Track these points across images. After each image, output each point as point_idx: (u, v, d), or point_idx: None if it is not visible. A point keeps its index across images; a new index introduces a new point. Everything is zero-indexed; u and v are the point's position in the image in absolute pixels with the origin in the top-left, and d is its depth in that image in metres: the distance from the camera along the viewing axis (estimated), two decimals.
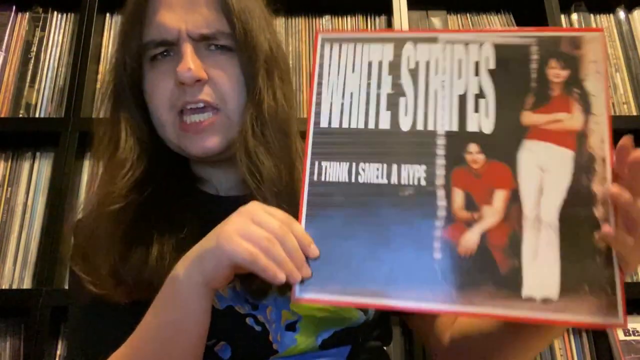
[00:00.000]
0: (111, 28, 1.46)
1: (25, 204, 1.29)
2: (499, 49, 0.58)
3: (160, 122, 0.69)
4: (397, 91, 0.58)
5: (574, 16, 1.50)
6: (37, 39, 1.42)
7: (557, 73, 0.56)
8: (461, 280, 0.52)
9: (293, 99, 0.74)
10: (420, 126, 0.57)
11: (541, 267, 0.51)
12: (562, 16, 1.47)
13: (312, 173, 0.56)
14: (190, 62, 0.64)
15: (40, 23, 1.44)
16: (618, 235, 0.50)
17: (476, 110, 0.56)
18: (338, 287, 0.53)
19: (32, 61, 1.40)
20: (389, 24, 1.47)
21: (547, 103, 0.56)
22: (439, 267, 0.52)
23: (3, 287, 1.21)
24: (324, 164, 0.56)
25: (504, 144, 0.55)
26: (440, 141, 0.56)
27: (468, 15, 1.52)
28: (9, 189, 1.30)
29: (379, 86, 0.58)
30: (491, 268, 0.52)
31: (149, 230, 0.66)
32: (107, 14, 1.47)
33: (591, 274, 0.51)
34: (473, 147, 0.55)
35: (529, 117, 0.56)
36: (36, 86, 1.38)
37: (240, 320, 0.64)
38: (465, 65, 0.58)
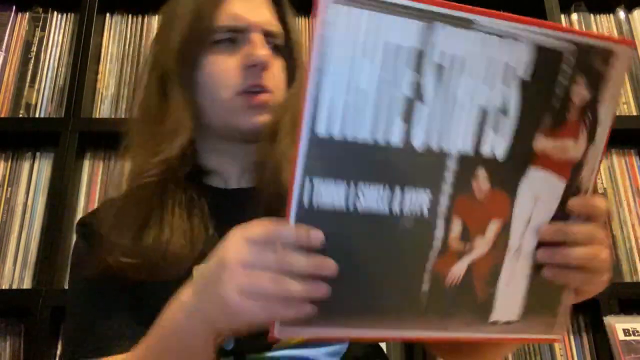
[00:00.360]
0: (111, 28, 1.46)
1: (25, 204, 1.29)
2: (534, 50, 0.48)
3: (219, 101, 0.72)
4: (417, 95, 0.45)
5: (574, 16, 1.50)
6: (37, 39, 1.42)
7: (580, 92, 0.50)
8: (443, 310, 0.50)
9: None
10: (434, 144, 0.47)
11: (511, 295, 0.52)
12: (562, 16, 1.48)
13: (301, 194, 0.44)
14: (267, 50, 0.72)
15: (40, 23, 1.44)
16: (567, 274, 0.51)
17: (495, 129, 0.48)
18: (321, 320, 0.46)
19: (32, 61, 1.40)
20: None
21: (560, 126, 0.50)
22: (425, 298, 0.49)
23: (3, 287, 1.21)
24: (316, 181, 0.44)
25: (511, 171, 0.50)
26: (451, 164, 0.48)
27: None
28: (9, 189, 1.30)
29: (395, 83, 0.44)
30: (470, 297, 0.51)
31: (162, 214, 0.68)
32: (107, 14, 1.47)
33: (546, 299, 0.53)
34: (482, 174, 0.49)
35: (540, 142, 0.50)
36: (36, 86, 1.38)
37: None
38: (494, 67, 0.47)
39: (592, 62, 0.49)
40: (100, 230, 0.68)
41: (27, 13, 1.45)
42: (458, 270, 0.50)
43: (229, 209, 0.70)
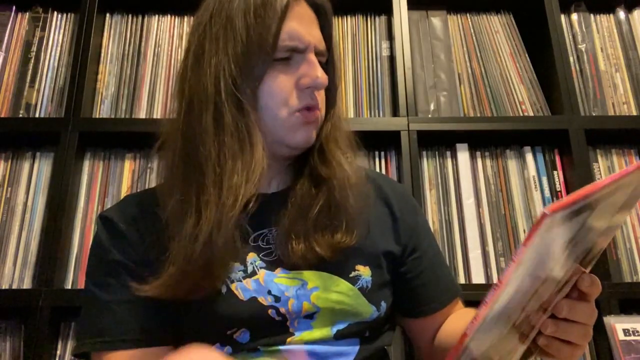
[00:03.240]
0: (111, 28, 1.46)
1: (25, 204, 1.29)
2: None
3: (277, 118, 0.73)
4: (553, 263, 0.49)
5: (574, 16, 1.50)
6: (37, 39, 1.42)
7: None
8: None
9: None
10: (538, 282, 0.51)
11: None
12: (562, 16, 1.48)
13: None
14: (322, 71, 0.74)
15: (40, 23, 1.44)
16: (557, 346, 0.57)
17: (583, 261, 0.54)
18: None
19: (32, 61, 1.40)
20: (389, 24, 1.47)
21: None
22: None
23: (3, 287, 1.21)
24: (471, 345, 0.49)
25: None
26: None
27: (468, 15, 1.52)
28: (9, 189, 1.30)
29: (551, 266, 0.49)
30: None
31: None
32: (107, 14, 1.47)
33: (506, 347, 0.57)
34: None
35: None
36: (36, 86, 1.38)
37: (263, 311, 0.67)
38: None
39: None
40: (122, 226, 0.71)
41: (27, 13, 1.45)
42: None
43: (269, 212, 0.74)
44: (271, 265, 0.70)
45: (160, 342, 0.68)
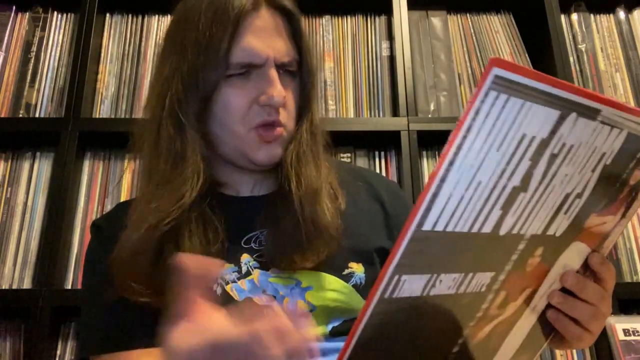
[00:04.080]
0: (111, 28, 1.46)
1: (25, 204, 1.29)
2: (628, 139, 0.46)
3: (234, 134, 0.72)
4: (524, 185, 0.42)
5: (574, 16, 1.50)
6: (37, 39, 1.42)
7: (637, 175, 0.49)
8: None
9: None
10: (516, 229, 0.45)
11: (513, 341, 0.55)
12: (562, 16, 1.48)
13: (385, 290, 0.41)
14: (282, 89, 0.71)
15: (40, 23, 1.44)
16: (565, 323, 0.56)
17: (567, 211, 0.47)
18: None
19: (32, 61, 1.40)
20: (389, 24, 1.47)
21: (611, 205, 0.50)
22: (451, 358, 0.51)
23: (3, 287, 1.21)
24: (404, 277, 0.41)
25: (559, 247, 0.50)
26: (521, 246, 0.47)
27: (468, 15, 1.52)
28: (9, 189, 1.30)
29: (511, 176, 0.41)
30: (484, 349, 0.53)
31: (178, 238, 0.68)
32: (107, 14, 1.47)
33: (534, 343, 0.58)
34: (538, 251, 0.48)
35: (591, 220, 0.50)
36: (36, 86, 1.38)
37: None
38: (594, 156, 0.45)
39: None
40: (110, 233, 0.70)
41: (27, 13, 1.45)
42: (485, 331, 0.52)
43: (240, 216, 0.73)
44: (265, 265, 0.71)
45: (157, 343, 0.68)
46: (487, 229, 0.42)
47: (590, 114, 0.42)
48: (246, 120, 0.71)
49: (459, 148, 0.37)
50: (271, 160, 0.73)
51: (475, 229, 0.42)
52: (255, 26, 0.71)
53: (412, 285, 0.42)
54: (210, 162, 0.73)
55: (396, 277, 0.41)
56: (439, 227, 0.40)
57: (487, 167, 0.39)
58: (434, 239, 0.41)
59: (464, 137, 0.37)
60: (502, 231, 0.44)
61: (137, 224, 0.68)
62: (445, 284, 0.44)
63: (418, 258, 0.41)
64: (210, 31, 0.69)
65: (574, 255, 0.53)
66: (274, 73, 0.71)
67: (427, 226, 0.39)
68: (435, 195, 0.38)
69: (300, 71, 0.76)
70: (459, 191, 0.39)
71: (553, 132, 0.41)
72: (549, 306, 0.55)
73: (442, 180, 0.38)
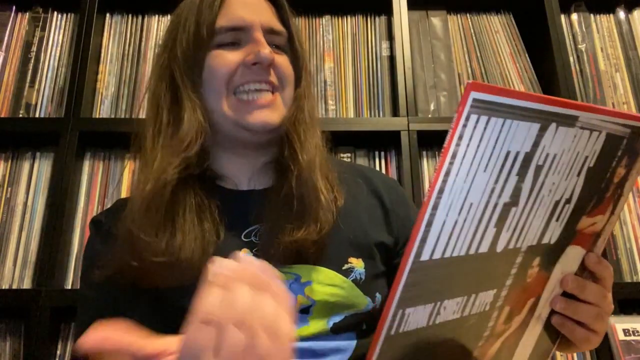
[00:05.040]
0: (111, 28, 1.46)
1: (25, 204, 1.29)
2: (607, 140, 0.46)
3: (221, 98, 0.73)
4: (514, 199, 0.42)
5: (574, 16, 1.50)
6: (37, 39, 1.42)
7: (620, 172, 0.49)
8: None
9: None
10: (512, 244, 0.45)
11: (523, 351, 0.55)
12: (562, 16, 1.48)
13: (390, 327, 0.41)
14: (268, 47, 0.73)
15: (40, 23, 1.44)
16: (570, 327, 0.57)
17: (558, 218, 0.47)
18: None
19: (32, 61, 1.40)
20: (389, 24, 1.47)
21: (600, 205, 0.50)
22: None
23: (3, 287, 1.21)
24: (408, 311, 0.41)
25: (555, 252, 0.50)
26: (519, 259, 0.47)
27: (468, 15, 1.52)
28: (9, 189, 1.30)
29: (501, 193, 0.41)
30: None
31: (175, 218, 0.69)
32: (107, 14, 1.47)
33: (543, 349, 0.58)
34: (536, 261, 0.48)
35: (582, 222, 0.50)
36: (36, 86, 1.38)
37: None
38: (578, 161, 0.45)
39: (637, 142, 0.48)
40: (115, 231, 0.70)
41: (27, 13, 1.45)
42: (494, 348, 0.52)
43: (240, 210, 0.73)
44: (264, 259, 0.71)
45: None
46: (484, 248, 0.43)
47: (569, 121, 0.42)
48: (233, 81, 0.73)
49: (446, 175, 0.37)
50: (266, 126, 0.73)
51: (472, 251, 0.42)
52: (241, 1, 0.76)
53: (417, 317, 0.42)
54: (208, 153, 0.75)
55: (400, 312, 0.41)
56: (437, 255, 0.40)
57: (476, 189, 0.39)
58: (433, 268, 0.40)
59: (451, 164, 0.37)
60: (499, 248, 0.44)
61: (146, 178, 0.70)
62: (450, 310, 0.44)
63: (419, 289, 0.41)
64: (198, 9, 0.74)
65: (570, 259, 0.53)
66: (260, 36, 0.74)
67: (425, 256, 0.39)
68: (429, 224, 0.38)
69: (290, 49, 0.79)
70: (452, 216, 0.39)
71: (536, 145, 0.41)
72: (553, 312, 0.55)
73: (435, 208, 0.38)
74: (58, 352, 1.18)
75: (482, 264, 0.44)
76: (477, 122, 0.36)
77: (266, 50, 0.72)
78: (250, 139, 0.76)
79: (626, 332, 1.18)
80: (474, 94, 0.36)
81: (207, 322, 0.38)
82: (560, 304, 0.54)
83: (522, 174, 0.42)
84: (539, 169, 0.42)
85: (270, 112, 0.74)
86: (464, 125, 0.36)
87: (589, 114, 0.43)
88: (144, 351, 0.43)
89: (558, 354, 1.25)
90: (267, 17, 0.76)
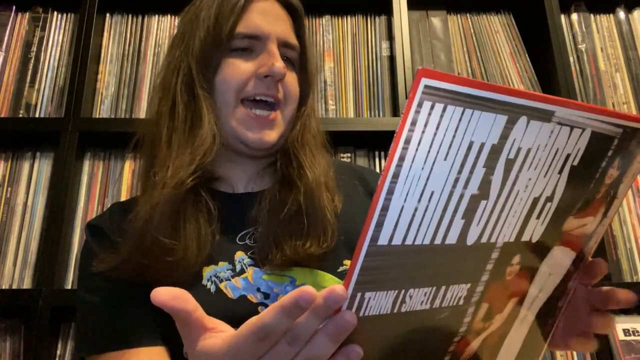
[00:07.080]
0: (111, 28, 1.46)
1: (25, 204, 1.29)
2: (592, 138, 0.45)
3: (228, 107, 0.74)
4: (483, 192, 0.42)
5: (574, 16, 1.50)
6: (37, 39, 1.42)
7: (613, 174, 0.48)
8: None
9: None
10: (485, 238, 0.44)
11: (507, 353, 0.55)
12: (562, 16, 1.48)
13: (349, 309, 0.40)
14: (281, 60, 0.74)
15: (40, 23, 1.44)
16: (583, 342, 0.56)
17: (538, 216, 0.46)
18: None
19: (32, 61, 1.40)
20: (389, 24, 1.47)
21: (589, 206, 0.49)
22: None
23: (3, 287, 1.21)
24: (367, 295, 0.40)
25: (539, 252, 0.49)
26: (495, 255, 0.46)
27: (468, 15, 1.52)
28: (9, 189, 1.30)
29: (466, 184, 0.40)
30: None
31: (178, 220, 0.69)
32: (107, 14, 1.47)
33: (531, 352, 0.57)
34: (516, 259, 0.48)
35: (569, 222, 0.49)
36: (36, 86, 1.38)
37: (252, 309, 0.67)
38: (557, 158, 0.44)
39: (630, 143, 0.47)
40: (114, 237, 0.70)
41: (27, 13, 1.45)
42: (473, 346, 0.51)
43: (235, 213, 0.74)
44: (259, 262, 0.71)
45: (151, 342, 0.68)
46: (452, 239, 0.42)
47: (543, 116, 0.41)
48: (244, 90, 0.73)
49: (401, 159, 0.36)
50: (263, 144, 0.74)
51: (438, 241, 0.41)
52: (262, 9, 0.76)
53: (380, 302, 0.41)
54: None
55: (359, 295, 0.40)
56: (397, 241, 0.39)
57: (437, 177, 0.38)
58: (393, 254, 0.39)
59: (404, 149, 0.36)
60: (470, 241, 0.43)
61: (162, 179, 0.69)
62: (417, 299, 0.43)
63: (380, 274, 0.40)
64: (221, 10, 0.74)
65: (558, 260, 0.52)
66: (275, 48, 0.74)
67: (382, 241, 0.38)
68: (385, 209, 0.37)
69: (301, 65, 0.79)
70: (411, 203, 0.38)
71: (504, 137, 0.40)
72: (541, 314, 0.54)
73: (390, 192, 0.37)
74: (58, 352, 1.19)
75: (451, 256, 0.43)
76: (431, 108, 0.36)
77: (279, 64, 0.72)
78: (247, 152, 0.77)
79: (626, 332, 1.18)
80: (425, 81, 0.35)
81: (262, 339, 0.38)
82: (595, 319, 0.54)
83: (490, 167, 0.40)
84: (510, 162, 0.41)
85: (270, 130, 0.74)
86: (417, 112, 0.35)
87: (567, 109, 0.42)
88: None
89: (558, 353, 1.25)
90: (283, 28, 0.77)
